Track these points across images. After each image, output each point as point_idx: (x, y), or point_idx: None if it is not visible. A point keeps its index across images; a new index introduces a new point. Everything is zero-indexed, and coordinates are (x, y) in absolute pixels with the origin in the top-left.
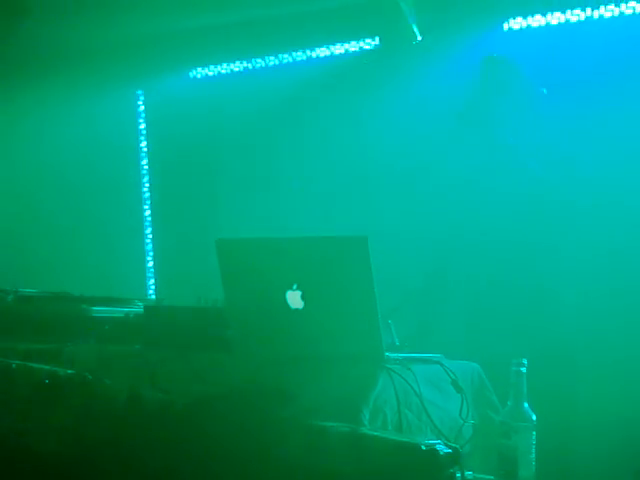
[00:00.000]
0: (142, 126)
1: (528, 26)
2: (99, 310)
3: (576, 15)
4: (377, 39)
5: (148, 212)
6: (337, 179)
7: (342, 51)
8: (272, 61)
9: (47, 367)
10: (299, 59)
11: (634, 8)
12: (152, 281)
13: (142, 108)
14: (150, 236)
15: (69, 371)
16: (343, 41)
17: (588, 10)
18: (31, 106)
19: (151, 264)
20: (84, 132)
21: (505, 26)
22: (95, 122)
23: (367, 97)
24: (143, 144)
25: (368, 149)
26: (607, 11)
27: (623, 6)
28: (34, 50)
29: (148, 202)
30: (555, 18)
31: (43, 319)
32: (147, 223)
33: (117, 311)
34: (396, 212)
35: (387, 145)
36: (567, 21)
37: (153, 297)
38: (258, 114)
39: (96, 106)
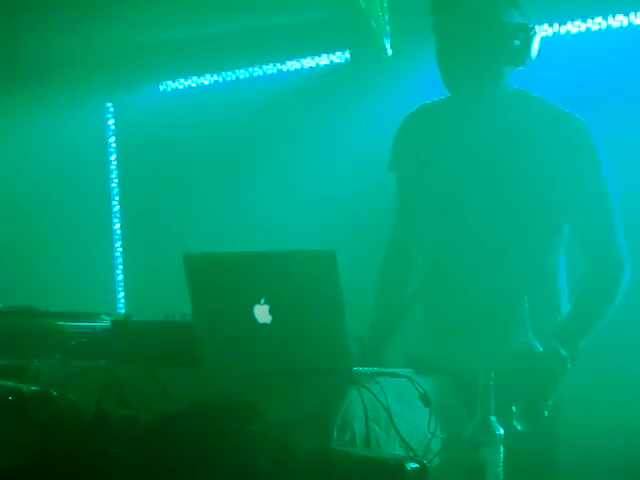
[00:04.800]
0: (112, 139)
1: None
2: (65, 325)
3: (544, 30)
4: (347, 53)
5: (118, 225)
6: (308, 193)
7: (313, 64)
8: (242, 74)
9: (10, 383)
10: (269, 72)
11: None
12: (122, 295)
13: (112, 121)
14: (120, 249)
15: (33, 387)
16: (314, 54)
17: (556, 26)
18: None
19: (121, 278)
20: (52, 145)
21: None
22: (64, 135)
23: (338, 110)
24: (112, 157)
25: (339, 163)
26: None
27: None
28: (1, 61)
29: (118, 215)
30: None
31: (7, 334)
32: (117, 237)
33: (84, 326)
34: (370, 226)
35: (358, 159)
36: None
37: (123, 311)
38: (228, 127)
39: (65, 119)
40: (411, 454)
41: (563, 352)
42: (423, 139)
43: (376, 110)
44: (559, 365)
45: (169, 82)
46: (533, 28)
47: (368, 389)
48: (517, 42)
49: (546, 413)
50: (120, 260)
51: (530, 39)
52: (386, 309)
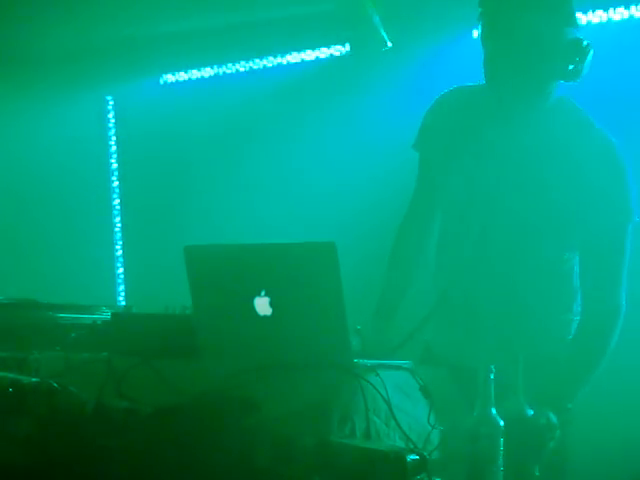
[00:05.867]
0: (112, 132)
1: None
2: (66, 317)
3: None
4: (347, 45)
5: (118, 219)
6: (308, 185)
7: (312, 57)
8: (243, 67)
9: (11, 375)
10: (269, 65)
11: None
12: (122, 288)
13: (112, 115)
14: (120, 242)
15: (34, 379)
16: (314, 47)
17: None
18: None
19: (121, 270)
20: (52, 139)
21: (475, 33)
22: (64, 128)
23: (338, 104)
24: (113, 149)
25: (339, 155)
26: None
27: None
28: (1, 53)
29: (118, 209)
30: None
31: (8, 326)
32: (117, 230)
33: (84, 318)
34: (370, 218)
35: (358, 152)
36: None
37: (123, 304)
38: (229, 120)
39: (64, 112)
40: (411, 446)
41: (553, 419)
42: (454, 125)
43: (376, 103)
44: (548, 433)
45: (169, 75)
46: (588, 48)
47: (368, 381)
48: (571, 62)
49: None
50: (120, 253)
51: (584, 59)
52: (395, 293)
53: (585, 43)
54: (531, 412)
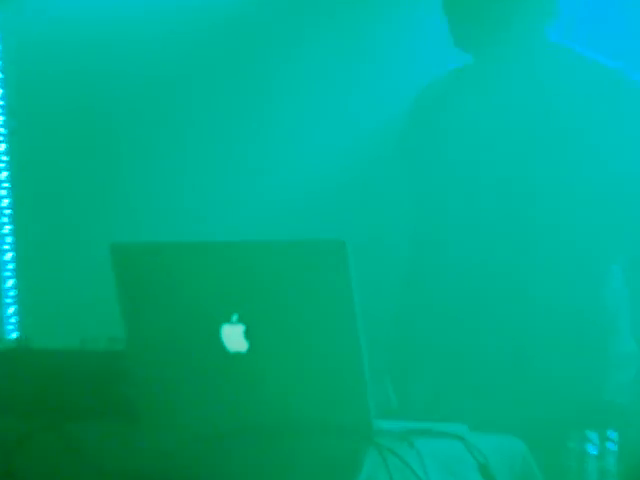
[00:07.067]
0: None
1: None
2: None
3: None
4: None
5: (8, 211)
6: (304, 155)
7: None
8: None
9: None
10: None
11: None
12: (13, 310)
13: None
14: (10, 245)
15: None
16: None
17: None
18: None
19: (12, 283)
20: None
21: None
22: None
23: (333, 50)
24: None
25: (349, 108)
26: None
27: None
28: None
29: (7, 195)
30: None
31: None
32: (6, 231)
33: None
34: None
35: (376, 100)
36: None
37: (15, 335)
38: (178, 51)
39: None
40: None
41: None
42: (439, 125)
43: (384, 53)
44: None
45: None
46: None
47: (398, 454)
48: None
49: None
50: (10, 258)
51: None
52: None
53: None
54: None
